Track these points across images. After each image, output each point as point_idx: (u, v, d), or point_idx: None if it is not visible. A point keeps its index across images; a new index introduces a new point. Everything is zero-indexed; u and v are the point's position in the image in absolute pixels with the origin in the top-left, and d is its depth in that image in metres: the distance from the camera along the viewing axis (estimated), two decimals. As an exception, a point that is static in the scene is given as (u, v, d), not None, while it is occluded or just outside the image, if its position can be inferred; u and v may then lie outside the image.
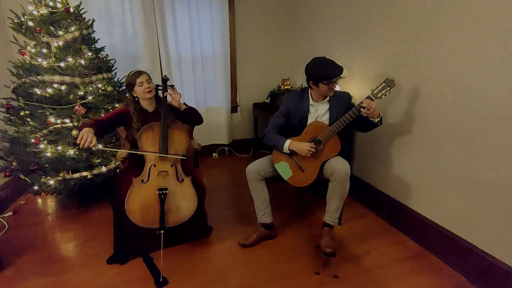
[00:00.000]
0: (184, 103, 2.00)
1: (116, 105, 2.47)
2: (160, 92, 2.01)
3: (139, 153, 1.81)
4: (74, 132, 2.24)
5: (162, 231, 1.73)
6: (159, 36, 3.18)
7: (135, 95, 1.91)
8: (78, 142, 1.60)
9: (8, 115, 2.31)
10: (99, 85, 2.45)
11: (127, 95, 1.99)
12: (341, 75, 1.84)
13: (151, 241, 1.89)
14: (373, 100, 1.79)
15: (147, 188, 1.74)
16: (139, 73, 1.87)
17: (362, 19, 2.39)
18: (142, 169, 1.80)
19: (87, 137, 1.59)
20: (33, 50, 2.30)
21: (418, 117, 1.98)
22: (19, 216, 2.42)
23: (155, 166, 1.79)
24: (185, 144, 1.90)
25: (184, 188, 1.81)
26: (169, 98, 1.91)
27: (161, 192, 1.71)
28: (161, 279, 1.71)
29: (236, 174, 3.30)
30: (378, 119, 1.86)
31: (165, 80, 1.98)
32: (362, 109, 1.77)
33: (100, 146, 1.73)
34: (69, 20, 2.32)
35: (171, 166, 1.82)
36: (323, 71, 1.80)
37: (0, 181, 2.54)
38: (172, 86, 2.03)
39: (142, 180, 1.75)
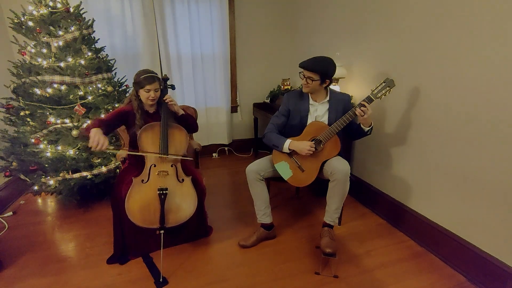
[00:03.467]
0: (183, 109, 2.01)
1: (116, 105, 2.47)
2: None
3: (143, 154, 1.79)
4: (74, 132, 2.25)
5: (162, 231, 1.73)
6: (159, 36, 3.18)
7: (139, 94, 1.88)
8: (90, 145, 1.59)
9: (8, 115, 2.31)
10: (99, 85, 2.45)
11: (129, 92, 1.96)
12: (336, 77, 1.85)
13: (151, 241, 1.89)
14: (373, 101, 1.79)
15: (147, 188, 1.74)
16: (152, 80, 1.80)
17: (362, 19, 2.40)
18: (142, 169, 1.80)
19: (98, 139, 1.59)
20: (33, 50, 2.30)
21: (417, 117, 1.98)
22: (19, 216, 2.42)
23: (155, 166, 1.79)
24: (185, 144, 1.90)
25: (184, 188, 1.81)
26: (170, 102, 1.91)
27: (161, 192, 1.71)
28: (161, 279, 1.71)
29: (236, 174, 3.30)
30: (369, 128, 1.88)
31: (165, 79, 1.98)
32: (357, 112, 1.77)
33: (111, 147, 1.68)
34: (69, 20, 2.32)
35: (171, 166, 1.82)
36: (302, 61, 1.85)
37: (0, 181, 2.54)
38: (172, 86, 2.03)
39: (142, 180, 1.75)
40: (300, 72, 1.87)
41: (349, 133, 2.02)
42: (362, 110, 1.76)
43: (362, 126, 1.89)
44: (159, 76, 1.87)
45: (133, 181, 1.73)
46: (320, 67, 1.80)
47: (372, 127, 1.91)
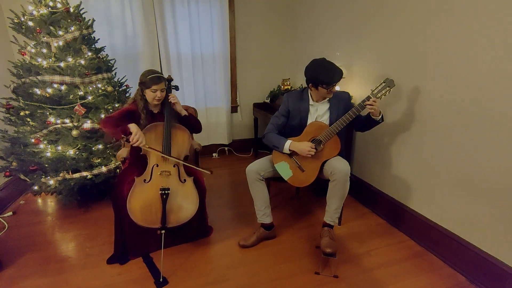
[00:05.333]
0: (186, 110, 2.02)
1: (116, 105, 2.47)
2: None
3: (146, 148, 1.79)
4: (74, 132, 2.25)
5: (163, 231, 1.73)
6: (159, 36, 3.18)
7: (144, 94, 1.88)
8: (131, 138, 1.67)
9: (8, 115, 2.31)
10: (99, 85, 2.45)
11: (129, 92, 1.97)
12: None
13: (151, 241, 1.89)
14: (365, 107, 1.79)
15: (149, 187, 1.74)
16: (158, 80, 1.81)
17: (362, 19, 2.40)
18: (144, 169, 1.81)
19: (140, 135, 1.68)
20: (33, 50, 2.30)
21: (417, 117, 1.98)
22: (19, 216, 2.42)
23: (157, 166, 1.79)
24: (187, 145, 1.91)
25: (186, 188, 1.81)
26: (172, 100, 1.93)
27: (163, 192, 1.72)
28: (161, 279, 1.71)
29: (236, 174, 3.30)
30: (380, 116, 1.87)
31: (169, 80, 1.99)
32: (367, 107, 1.77)
33: (146, 146, 1.76)
34: (69, 20, 2.32)
35: (174, 166, 1.82)
36: (322, 76, 1.79)
37: (0, 181, 2.54)
38: (176, 86, 2.04)
39: (145, 180, 1.76)
40: (329, 89, 1.82)
41: (358, 127, 2.00)
42: (372, 103, 1.76)
43: (372, 116, 1.85)
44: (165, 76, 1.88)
45: (135, 181, 1.74)
46: (340, 69, 1.82)
47: (382, 115, 1.88)
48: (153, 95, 1.83)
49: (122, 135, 1.69)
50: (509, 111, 1.46)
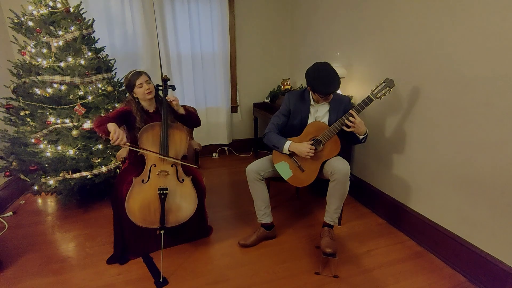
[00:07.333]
0: (184, 106, 2.01)
1: (116, 105, 2.47)
2: (160, 92, 2.01)
3: (143, 151, 1.79)
4: (74, 132, 2.25)
5: (162, 231, 1.73)
6: (159, 36, 3.18)
7: (135, 96, 1.89)
8: (111, 138, 1.60)
9: (8, 115, 2.31)
10: (99, 85, 2.45)
11: (127, 95, 1.99)
12: (340, 79, 1.82)
13: (151, 241, 1.89)
14: (372, 101, 1.79)
15: (147, 188, 1.74)
16: (139, 74, 1.84)
17: (362, 19, 2.40)
18: (143, 169, 1.80)
19: (118, 134, 1.61)
20: (33, 50, 2.30)
21: (417, 117, 1.98)
22: (19, 216, 2.42)
23: (155, 166, 1.79)
24: (185, 144, 1.91)
25: (184, 188, 1.81)
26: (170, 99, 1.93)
27: (161, 192, 1.71)
28: (161, 279, 1.71)
29: (236, 174, 3.30)
30: (364, 136, 1.86)
31: (165, 80, 1.99)
32: (348, 123, 1.77)
33: (128, 144, 1.70)
34: (69, 20, 2.32)
35: (172, 166, 1.82)
36: (318, 86, 1.78)
37: (0, 181, 2.54)
38: (172, 86, 2.04)
39: (143, 180, 1.76)
40: (323, 97, 1.82)
41: (346, 139, 1.99)
42: (350, 121, 1.76)
43: (356, 134, 1.86)
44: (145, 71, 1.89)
45: (133, 181, 1.74)
46: (339, 79, 1.80)
47: (367, 135, 1.89)
48: (142, 90, 1.84)
49: (104, 136, 1.66)
50: (509, 111, 1.46)
